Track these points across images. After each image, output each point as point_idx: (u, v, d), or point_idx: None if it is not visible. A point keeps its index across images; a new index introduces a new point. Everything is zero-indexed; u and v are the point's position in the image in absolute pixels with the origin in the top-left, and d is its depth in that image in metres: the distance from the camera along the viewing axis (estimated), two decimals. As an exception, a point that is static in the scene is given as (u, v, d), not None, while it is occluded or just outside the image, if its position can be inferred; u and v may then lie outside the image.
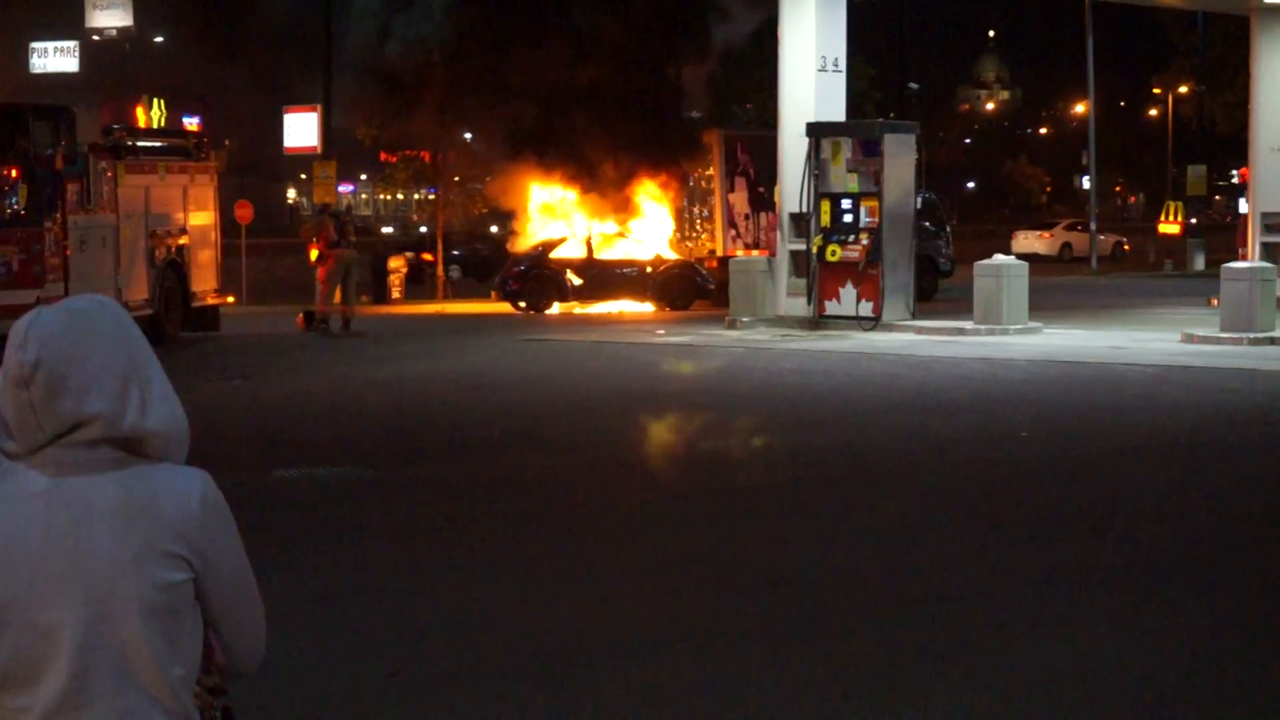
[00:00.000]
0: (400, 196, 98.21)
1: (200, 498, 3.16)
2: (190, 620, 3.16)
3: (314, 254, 32.02)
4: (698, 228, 43.27)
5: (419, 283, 44.61)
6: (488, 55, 40.75)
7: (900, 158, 30.13)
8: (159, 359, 3.22)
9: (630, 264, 38.60)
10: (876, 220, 29.61)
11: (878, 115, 51.07)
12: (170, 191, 29.48)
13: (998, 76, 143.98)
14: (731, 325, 30.27)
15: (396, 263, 43.53)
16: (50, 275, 25.57)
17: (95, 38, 61.38)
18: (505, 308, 37.94)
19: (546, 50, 40.33)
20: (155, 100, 48.30)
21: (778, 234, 31.83)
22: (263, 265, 46.91)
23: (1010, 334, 27.89)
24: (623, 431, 17.59)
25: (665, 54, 43.78)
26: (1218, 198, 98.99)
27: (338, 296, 31.23)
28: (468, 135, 47.51)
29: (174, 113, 50.78)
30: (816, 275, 29.94)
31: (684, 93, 45.61)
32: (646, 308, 37.50)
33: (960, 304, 31.93)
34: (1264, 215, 36.31)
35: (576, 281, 37.88)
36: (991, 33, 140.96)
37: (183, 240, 29.69)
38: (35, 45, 62.22)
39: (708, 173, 42.98)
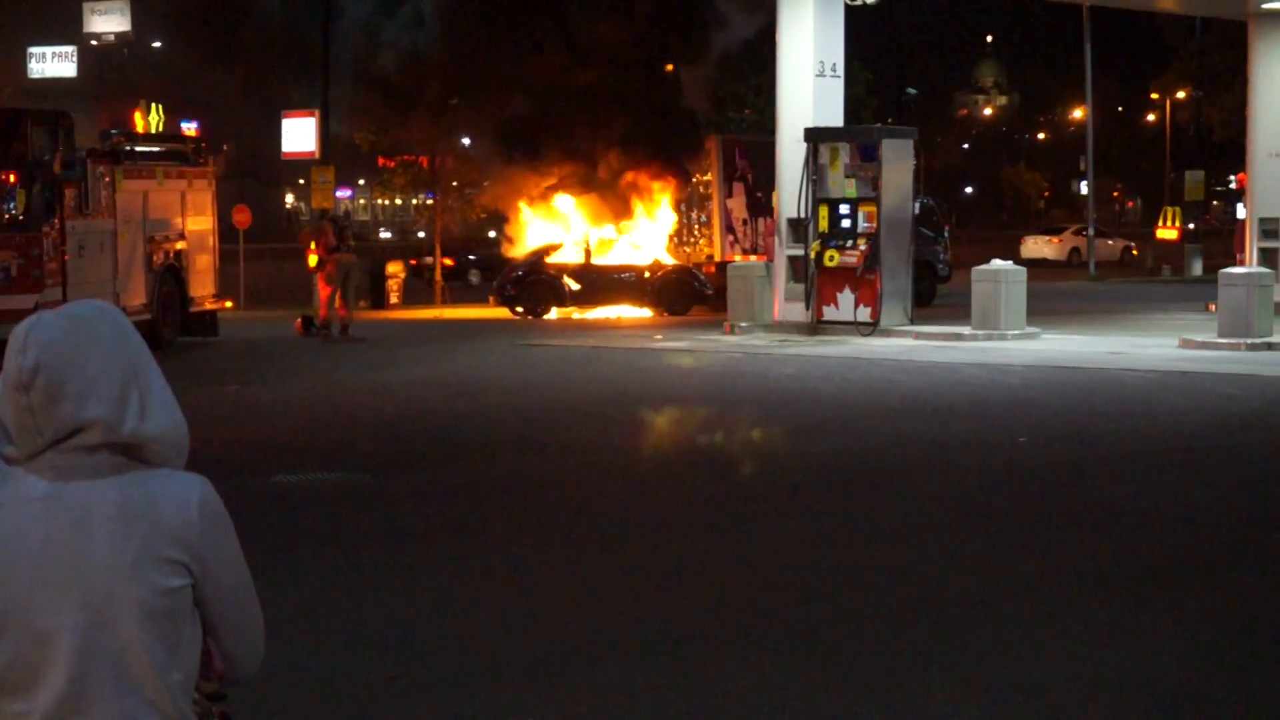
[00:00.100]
0: (398, 201, 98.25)
1: (199, 503, 3.16)
2: (189, 626, 3.16)
3: (312, 259, 32.03)
4: (696, 233, 43.27)
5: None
6: (481, 57, 40.73)
7: (898, 163, 30.15)
8: (157, 364, 3.22)
9: (628, 269, 38.61)
10: (874, 225, 29.63)
11: (876, 120, 51.09)
12: (168, 196, 29.48)
13: (996, 81, 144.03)
14: (730, 331, 30.28)
15: (394, 267, 43.55)
16: (48, 280, 25.58)
17: (93, 43, 61.43)
18: (503, 313, 37.93)
19: (543, 54, 40.31)
20: (153, 105, 48.34)
21: (776, 239, 31.84)
22: (261, 270, 46.95)
23: (1008, 339, 27.89)
24: (620, 436, 17.58)
25: (663, 56, 43.79)
26: (1215, 203, 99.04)
27: (337, 301, 31.23)
28: (466, 140, 47.52)
29: (172, 118, 50.82)
30: (814, 280, 29.95)
31: (681, 91, 45.55)
32: (644, 313, 37.50)
33: (958, 309, 31.94)
34: (1261, 220, 36.33)
35: (574, 286, 37.88)
36: (989, 38, 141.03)
37: (180, 245, 29.69)
38: (33, 50, 62.25)
39: (706, 178, 42.99)
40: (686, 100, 45.56)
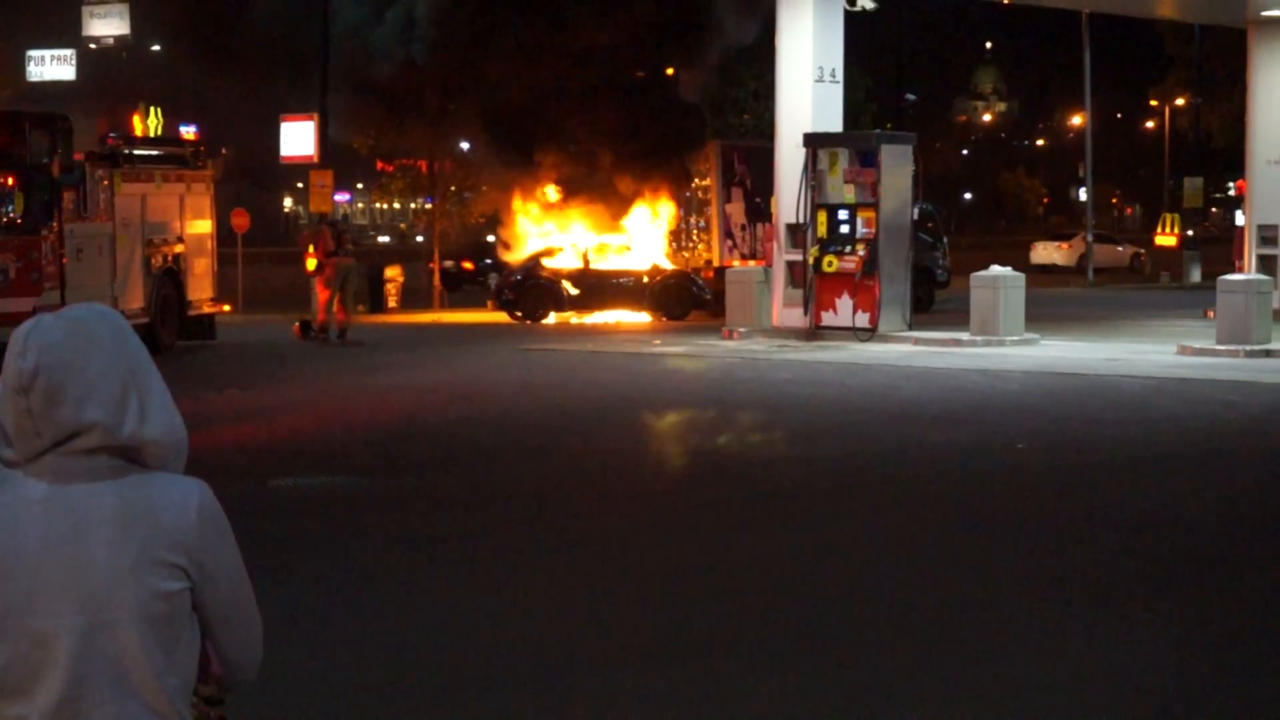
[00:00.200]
0: (397, 206, 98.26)
1: (198, 507, 3.15)
2: (187, 630, 3.15)
3: (311, 263, 32.03)
4: (694, 238, 43.27)
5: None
6: (476, 61, 40.69)
7: (897, 168, 30.15)
8: (156, 368, 3.21)
9: (626, 274, 38.59)
10: (873, 231, 29.63)
11: (875, 126, 51.06)
12: (167, 200, 29.48)
13: (995, 87, 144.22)
14: (728, 336, 30.29)
15: (393, 271, 43.51)
16: (47, 283, 25.57)
17: (92, 46, 61.44)
18: (502, 317, 37.92)
19: (539, 57, 40.28)
20: (152, 108, 48.30)
21: (774, 244, 31.84)
22: (259, 274, 46.94)
23: (1007, 345, 27.90)
24: (619, 441, 17.58)
25: (661, 61, 43.75)
26: (1214, 210, 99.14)
27: (335, 305, 31.23)
28: (465, 145, 47.49)
29: (171, 121, 50.79)
30: (813, 286, 29.96)
31: (680, 90, 45.50)
32: (643, 318, 37.49)
33: (957, 315, 31.94)
34: (1260, 228, 36.37)
35: (573, 291, 37.88)
36: (989, 44, 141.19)
37: (179, 249, 29.69)
38: (32, 53, 62.27)
39: (704, 183, 42.99)
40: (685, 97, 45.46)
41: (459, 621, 9.88)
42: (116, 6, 59.70)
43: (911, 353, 27.25)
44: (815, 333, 29.64)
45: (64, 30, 61.29)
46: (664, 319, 37.11)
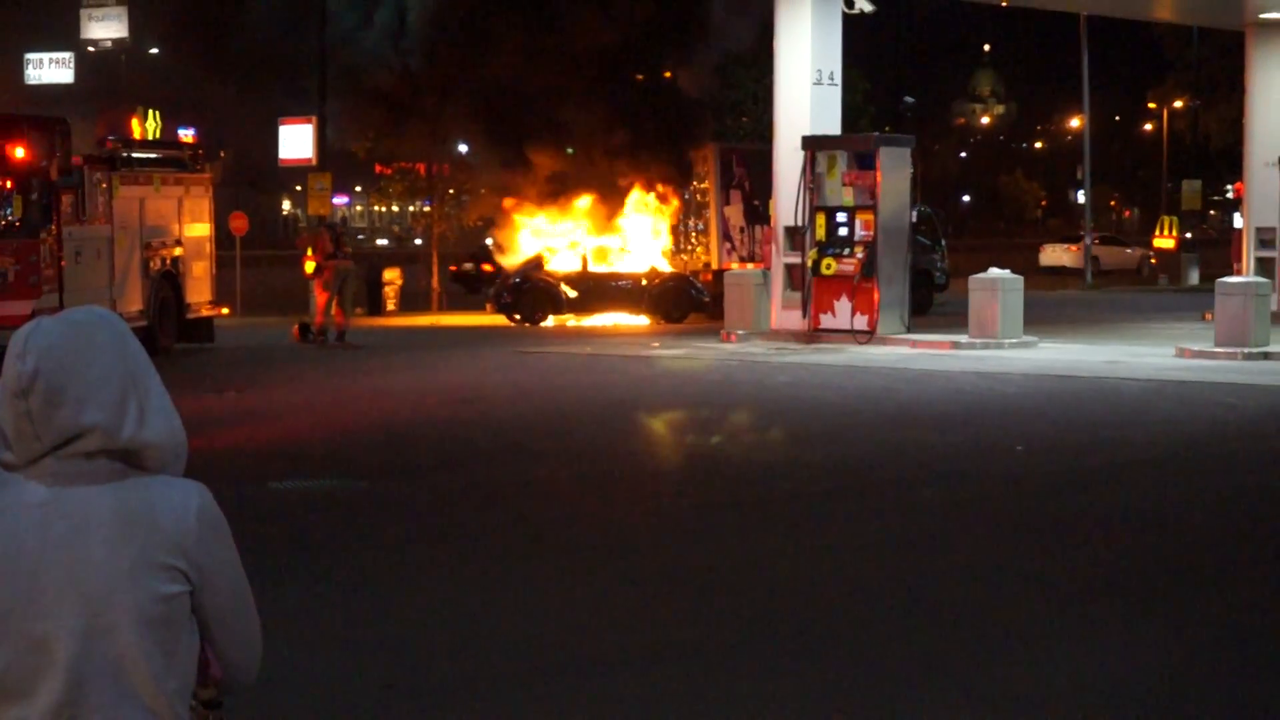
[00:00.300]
0: (395, 209, 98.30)
1: (197, 510, 3.15)
2: (186, 633, 3.16)
3: (309, 266, 32.03)
4: (693, 240, 43.25)
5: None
6: (472, 65, 40.68)
7: (895, 171, 30.15)
8: (156, 371, 3.21)
9: (625, 277, 38.60)
10: (872, 234, 29.63)
11: (873, 129, 51.11)
12: (165, 203, 29.47)
13: (993, 90, 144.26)
14: (727, 338, 30.28)
15: (391, 274, 43.51)
16: (45, 286, 25.57)
17: (90, 49, 61.45)
18: (500, 320, 37.92)
19: (537, 59, 40.26)
20: (150, 111, 48.36)
21: (773, 247, 31.85)
22: (258, 277, 46.93)
23: (1005, 348, 27.90)
24: (617, 444, 17.58)
25: (658, 58, 43.74)
26: (1212, 212, 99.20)
27: (334, 308, 31.23)
28: (463, 148, 47.49)
29: (169, 124, 50.82)
30: (811, 289, 29.96)
31: (679, 91, 45.49)
32: (641, 320, 37.49)
33: (955, 318, 31.95)
34: (1258, 230, 36.38)
35: (571, 294, 37.87)
36: (987, 47, 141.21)
37: (177, 251, 29.68)
38: (30, 56, 62.31)
39: (703, 186, 42.96)
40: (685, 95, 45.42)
41: (459, 622, 9.88)
42: (115, 9, 59.73)
43: (910, 355, 27.25)
44: (814, 335, 29.64)
45: (62, 33, 61.32)
46: (662, 322, 37.11)
